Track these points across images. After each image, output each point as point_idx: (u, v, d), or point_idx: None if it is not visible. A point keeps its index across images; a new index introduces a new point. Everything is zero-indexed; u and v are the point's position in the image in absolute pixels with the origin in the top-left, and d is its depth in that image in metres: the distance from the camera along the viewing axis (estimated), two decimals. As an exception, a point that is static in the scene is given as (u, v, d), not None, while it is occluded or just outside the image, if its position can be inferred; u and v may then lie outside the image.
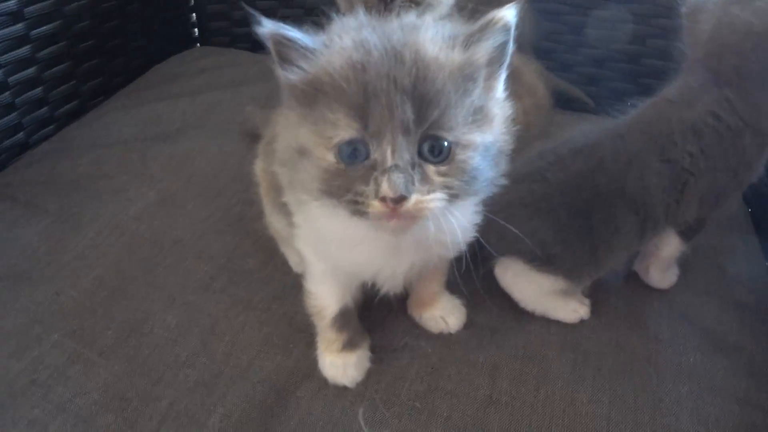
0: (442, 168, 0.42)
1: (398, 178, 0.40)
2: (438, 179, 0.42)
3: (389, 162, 0.41)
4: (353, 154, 0.42)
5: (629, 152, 0.64)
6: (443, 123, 0.41)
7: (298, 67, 0.43)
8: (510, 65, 0.80)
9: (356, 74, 0.41)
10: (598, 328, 0.67)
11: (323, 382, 0.61)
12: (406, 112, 0.40)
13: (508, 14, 0.42)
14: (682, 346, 0.66)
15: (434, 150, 0.42)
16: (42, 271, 0.72)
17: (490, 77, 0.45)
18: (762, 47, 0.60)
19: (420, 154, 0.42)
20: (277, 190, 0.59)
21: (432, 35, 0.43)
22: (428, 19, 0.47)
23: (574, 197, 0.64)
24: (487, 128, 0.44)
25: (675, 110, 0.65)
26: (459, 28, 0.44)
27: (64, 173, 0.88)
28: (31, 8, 0.92)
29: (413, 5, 0.73)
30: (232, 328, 0.66)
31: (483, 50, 0.43)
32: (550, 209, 0.64)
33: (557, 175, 0.65)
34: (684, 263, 0.74)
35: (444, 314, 0.66)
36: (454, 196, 0.43)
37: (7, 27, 0.89)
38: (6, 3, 0.88)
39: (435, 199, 0.42)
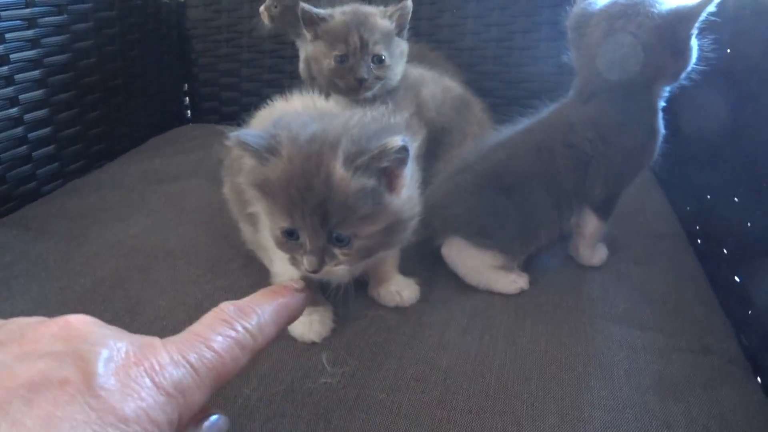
0: (345, 250, 0.59)
1: (312, 259, 0.57)
2: (342, 257, 0.59)
3: (307, 248, 0.58)
4: (290, 234, 0.59)
5: (537, 141, 0.78)
6: (343, 224, 0.57)
7: (256, 163, 0.58)
8: (465, 98, 0.99)
9: (283, 187, 0.56)
10: (537, 295, 0.77)
11: (294, 341, 0.70)
12: (315, 220, 0.56)
13: (399, 140, 0.55)
14: (613, 300, 0.76)
15: (339, 240, 0.58)
16: (50, 273, 0.83)
17: (393, 178, 0.59)
18: (643, 61, 0.72)
19: (330, 241, 0.58)
20: (243, 202, 0.74)
21: (341, 161, 0.55)
22: (348, 128, 0.59)
23: (496, 181, 0.77)
24: (385, 217, 0.59)
25: (574, 107, 0.79)
26: (367, 145, 0.56)
27: (72, 208, 1.02)
28: (52, 78, 1.10)
29: (378, 81, 0.93)
30: (215, 305, 0.76)
31: (380, 170, 0.57)
32: (479, 192, 0.77)
33: (481, 165, 0.79)
34: (615, 244, 0.86)
35: (399, 289, 0.77)
36: (356, 263, 0.60)
37: (32, 91, 1.06)
38: (32, 72, 1.06)
39: (341, 269, 0.60)
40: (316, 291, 0.72)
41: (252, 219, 0.74)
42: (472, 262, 0.78)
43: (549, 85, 1.23)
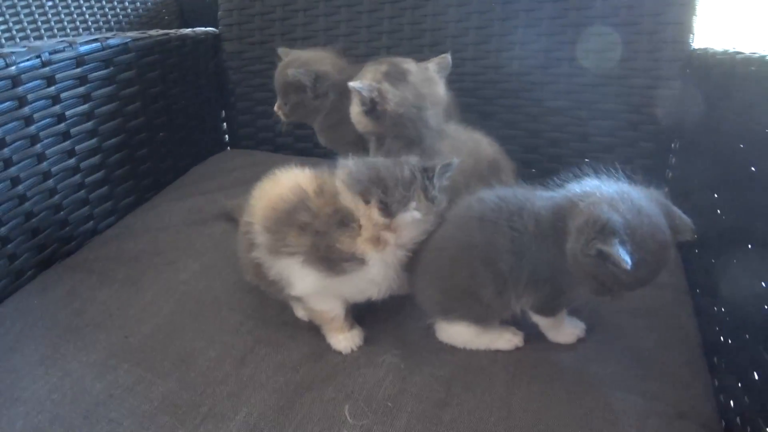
0: None
1: None
2: None
3: None
4: None
5: (481, 211, 0.87)
6: None
7: None
8: (496, 163, 1.18)
9: None
10: (535, 351, 0.93)
11: (321, 393, 0.88)
12: None
13: None
14: (605, 360, 0.91)
15: None
16: (114, 321, 1.03)
17: None
18: None
19: None
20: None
21: None
22: None
23: (440, 256, 0.91)
24: None
25: (532, 195, 0.87)
26: None
27: (127, 251, 1.22)
28: (103, 126, 1.30)
29: None
30: (256, 358, 0.95)
31: None
32: (430, 273, 0.92)
33: (431, 243, 0.92)
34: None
35: None
36: None
37: (85, 141, 1.26)
38: (85, 124, 1.26)
39: None
40: (351, 315, 0.97)
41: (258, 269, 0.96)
42: (461, 335, 0.94)
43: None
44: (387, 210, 0.86)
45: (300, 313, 1.03)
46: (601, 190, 0.80)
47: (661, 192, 0.83)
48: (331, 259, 0.87)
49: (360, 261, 0.88)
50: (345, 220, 0.87)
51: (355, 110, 1.12)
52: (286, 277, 0.92)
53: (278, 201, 0.92)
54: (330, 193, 0.89)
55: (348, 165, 0.91)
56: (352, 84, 1.06)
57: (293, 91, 1.27)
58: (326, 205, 0.88)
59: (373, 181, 0.87)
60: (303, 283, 0.91)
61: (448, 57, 1.16)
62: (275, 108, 1.31)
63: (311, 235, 0.88)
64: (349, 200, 0.87)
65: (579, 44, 1.34)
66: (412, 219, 0.88)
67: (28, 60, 1.11)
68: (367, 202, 0.87)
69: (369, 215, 0.86)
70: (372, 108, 1.07)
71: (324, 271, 0.88)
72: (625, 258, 0.70)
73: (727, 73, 1.07)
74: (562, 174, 0.88)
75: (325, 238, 0.87)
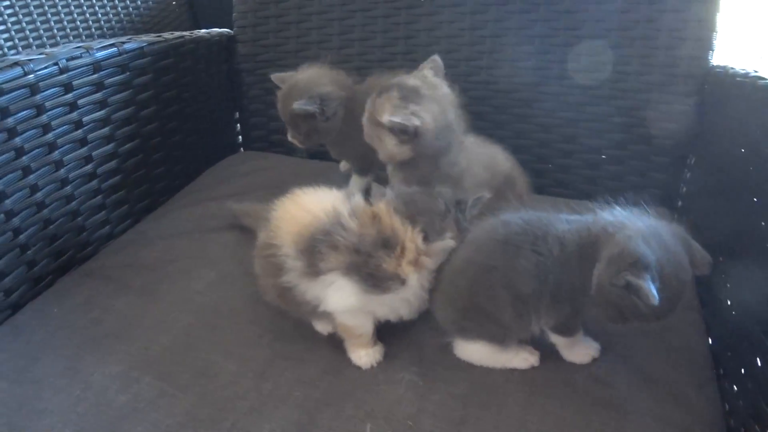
0: None
1: None
2: None
3: None
4: None
5: (506, 235, 0.89)
6: None
7: None
8: (510, 175, 1.19)
9: None
10: (550, 370, 0.95)
11: (341, 410, 0.90)
12: None
13: None
14: (616, 382, 0.93)
15: None
16: (133, 332, 1.05)
17: None
18: None
19: None
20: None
21: None
22: None
23: (460, 277, 0.93)
24: None
25: (556, 219, 0.90)
26: None
27: (142, 258, 1.24)
28: (119, 132, 1.31)
29: None
30: (275, 373, 0.97)
31: None
32: (449, 293, 0.95)
33: (451, 265, 0.95)
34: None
35: None
36: None
37: (102, 147, 1.28)
38: (102, 130, 1.27)
39: None
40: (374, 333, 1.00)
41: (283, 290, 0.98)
42: (478, 353, 0.96)
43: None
44: (426, 237, 0.92)
45: (319, 326, 1.05)
46: (635, 223, 0.83)
47: (681, 227, 0.85)
48: (376, 276, 0.90)
49: (402, 281, 0.91)
50: (388, 243, 0.90)
51: (390, 144, 1.07)
52: (323, 296, 0.94)
53: (311, 222, 0.94)
54: (366, 216, 0.93)
55: (389, 193, 0.97)
56: (389, 119, 1.02)
57: (302, 120, 1.25)
58: (367, 227, 0.92)
59: (419, 210, 0.93)
60: (342, 299, 0.93)
61: (437, 58, 1.13)
62: (289, 138, 1.30)
63: (353, 254, 0.90)
64: (398, 224, 0.91)
65: (594, 56, 1.35)
66: (447, 247, 0.95)
67: (45, 68, 1.12)
68: (414, 227, 0.91)
69: (414, 239, 0.91)
70: (414, 135, 1.04)
71: (368, 287, 0.91)
72: (654, 293, 0.73)
73: (746, 96, 1.09)
74: (595, 200, 0.93)
75: (371, 259, 0.90)
